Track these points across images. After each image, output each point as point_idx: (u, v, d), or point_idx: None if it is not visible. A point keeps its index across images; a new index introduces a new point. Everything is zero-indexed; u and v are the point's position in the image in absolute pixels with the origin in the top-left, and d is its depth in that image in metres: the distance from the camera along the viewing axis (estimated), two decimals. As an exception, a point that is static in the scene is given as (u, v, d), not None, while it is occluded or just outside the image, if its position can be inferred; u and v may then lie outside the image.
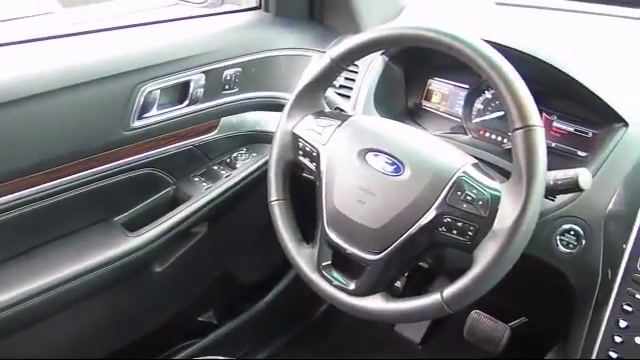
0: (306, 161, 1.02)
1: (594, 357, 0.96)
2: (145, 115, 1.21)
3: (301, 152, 1.03)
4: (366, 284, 0.93)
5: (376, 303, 0.93)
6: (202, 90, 1.27)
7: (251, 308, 1.76)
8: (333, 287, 0.96)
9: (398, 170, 0.91)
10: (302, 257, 1.01)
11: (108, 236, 1.24)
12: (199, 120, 1.31)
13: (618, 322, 0.94)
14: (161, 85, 1.20)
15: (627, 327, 0.93)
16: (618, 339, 0.94)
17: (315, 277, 0.99)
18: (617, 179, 0.98)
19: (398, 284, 1.58)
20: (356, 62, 1.15)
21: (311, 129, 1.02)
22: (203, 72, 1.26)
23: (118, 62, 1.15)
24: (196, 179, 1.39)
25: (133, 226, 1.28)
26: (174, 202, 1.35)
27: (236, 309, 1.74)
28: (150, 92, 1.19)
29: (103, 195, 1.22)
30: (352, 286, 0.95)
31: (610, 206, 0.98)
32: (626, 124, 1.01)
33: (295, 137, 1.03)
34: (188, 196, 1.35)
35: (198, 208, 1.33)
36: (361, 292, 0.94)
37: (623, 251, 0.93)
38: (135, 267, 1.27)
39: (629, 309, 0.93)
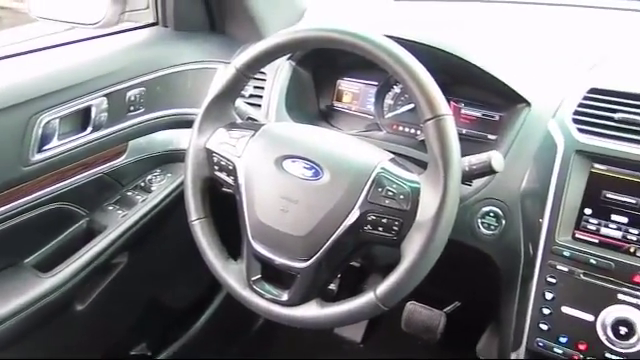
0: (223, 176, 0.99)
1: (526, 331, 0.99)
2: (45, 147, 1.13)
3: (217, 167, 1.00)
4: (299, 293, 0.91)
5: (311, 311, 0.91)
6: (105, 114, 1.21)
7: (185, 333, 1.70)
8: (266, 300, 0.94)
9: (317, 174, 0.90)
10: (231, 274, 0.98)
11: (20, 280, 1.16)
12: (106, 146, 1.25)
13: (544, 294, 0.97)
14: (60, 114, 1.13)
15: (553, 298, 0.96)
16: (546, 311, 0.97)
17: (246, 293, 0.96)
18: (527, 158, 1.02)
19: (332, 286, 1.58)
20: (263, 69, 1.13)
21: (224, 142, 0.99)
22: (104, 95, 1.20)
23: (8, 94, 1.07)
24: (110, 208, 1.32)
25: (46, 266, 1.20)
26: (89, 235, 1.28)
27: (170, 337, 1.68)
28: (48, 122, 1.12)
29: (9, 237, 1.13)
30: (285, 297, 0.93)
31: (524, 184, 1.01)
32: (529, 104, 1.05)
33: (209, 152, 1.00)
34: (103, 227, 1.28)
35: (116, 238, 1.26)
36: (295, 301, 0.92)
37: (540, 226, 0.97)
38: (54, 309, 1.19)
39: (553, 281, 0.96)
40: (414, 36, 1.09)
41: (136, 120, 1.29)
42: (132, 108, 1.27)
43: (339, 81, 1.34)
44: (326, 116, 1.34)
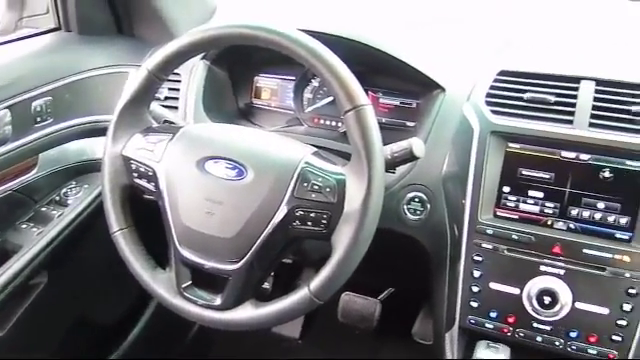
0: (143, 182, 0.96)
1: (458, 309, 1.02)
2: (-56, 167, 1.05)
3: (136, 174, 0.96)
4: (232, 295, 0.90)
5: (246, 312, 0.90)
6: (9, 127, 1.14)
7: (118, 348, 1.63)
8: (199, 307, 0.91)
9: (241, 173, 0.88)
10: (160, 283, 0.95)
11: None
12: (13, 161, 1.18)
13: (472, 273, 1.00)
14: (-43, 131, 1.06)
15: (481, 276, 1.00)
16: (475, 289, 1.00)
17: (178, 301, 0.93)
18: (446, 141, 1.05)
19: (267, 285, 1.56)
20: (177, 70, 1.10)
21: (142, 148, 0.95)
22: (7, 107, 1.13)
23: None
24: (24, 226, 1.25)
25: (-43, 294, 1.12)
26: (3, 256, 1.20)
27: (102, 354, 1.61)
28: (-55, 141, 1.04)
29: None
30: (218, 301, 0.91)
31: (445, 168, 1.04)
32: (443, 90, 1.08)
33: (126, 160, 0.96)
34: (18, 246, 1.20)
35: (32, 257, 1.19)
36: (229, 305, 0.90)
37: (464, 207, 1.00)
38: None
39: (479, 259, 0.99)
40: (328, 28, 1.09)
41: (45, 131, 1.22)
42: (39, 119, 1.20)
43: (256, 78, 1.32)
44: (246, 114, 1.33)
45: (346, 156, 0.89)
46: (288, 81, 1.29)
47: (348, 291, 1.71)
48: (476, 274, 1.00)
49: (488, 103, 1.01)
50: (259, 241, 0.86)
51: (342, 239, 0.82)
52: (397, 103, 1.19)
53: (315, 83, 1.27)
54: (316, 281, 0.84)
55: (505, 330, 0.99)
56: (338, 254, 0.83)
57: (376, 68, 1.17)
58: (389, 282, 1.69)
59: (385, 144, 0.87)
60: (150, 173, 0.94)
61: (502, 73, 1.02)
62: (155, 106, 1.04)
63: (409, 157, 0.89)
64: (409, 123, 1.18)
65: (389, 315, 1.69)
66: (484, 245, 0.99)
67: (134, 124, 0.97)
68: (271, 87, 1.31)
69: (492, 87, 1.02)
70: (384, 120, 1.19)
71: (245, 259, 0.87)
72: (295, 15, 1.35)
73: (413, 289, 1.58)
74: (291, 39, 0.83)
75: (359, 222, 0.81)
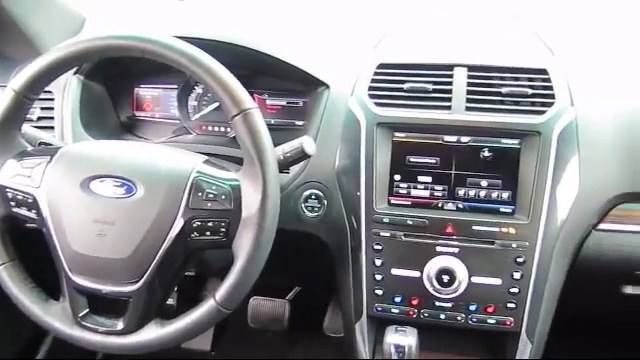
0: (23, 211, 0.89)
1: (364, 299, 1.05)
2: None
3: (13, 203, 0.89)
4: (135, 318, 0.86)
5: (152, 333, 0.86)
6: None
7: (15, 390, 1.52)
8: (100, 334, 0.87)
9: (130, 190, 0.84)
10: (54, 315, 0.89)
11: None
12: None
13: (374, 262, 1.03)
14: None
15: (382, 264, 1.02)
16: (379, 277, 1.03)
17: (76, 331, 0.88)
18: (335, 137, 1.06)
19: (171, 301, 1.51)
20: (48, 88, 1.03)
21: (17, 174, 0.89)
22: None
23: None
24: None
25: None
26: None
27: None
28: None
29: None
30: (120, 326, 0.86)
31: (337, 163, 1.06)
32: (328, 87, 1.10)
33: (1, 189, 0.89)
34: None
35: None
36: (132, 328, 0.86)
37: (359, 199, 1.02)
38: None
39: (379, 247, 1.02)
40: (205, 33, 1.08)
41: None
42: None
43: (136, 89, 1.27)
44: (129, 128, 1.27)
45: (239, 161, 0.88)
46: (170, 90, 1.25)
47: (256, 295, 1.69)
48: (378, 262, 1.03)
49: (371, 96, 1.04)
50: (157, 258, 0.83)
51: (243, 245, 0.82)
52: (284, 103, 1.20)
53: (199, 90, 1.24)
54: (221, 291, 0.83)
55: (411, 313, 1.03)
56: (241, 261, 0.82)
57: (260, 70, 1.17)
58: (296, 281, 1.70)
59: (276, 145, 0.87)
60: (30, 200, 0.87)
61: (381, 66, 1.06)
62: (28, 128, 0.97)
63: (301, 156, 0.89)
64: (298, 122, 1.19)
65: (299, 313, 1.70)
66: (382, 233, 1.02)
67: (5, 149, 0.90)
68: (153, 97, 1.27)
69: (373, 80, 1.05)
70: (273, 121, 1.19)
71: (145, 278, 0.84)
72: (170, 22, 1.31)
73: (320, 285, 1.60)
74: (167, 47, 0.81)
75: (258, 226, 0.81)
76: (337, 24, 1.29)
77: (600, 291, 1.12)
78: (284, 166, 0.89)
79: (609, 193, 1.00)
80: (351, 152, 1.04)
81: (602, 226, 1.02)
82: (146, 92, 1.27)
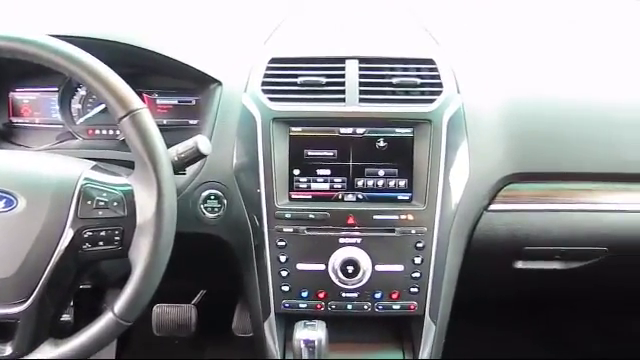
0: None
1: (271, 297, 1.04)
2: None
3: None
4: (25, 340, 0.80)
5: (46, 354, 0.81)
6: None
7: None
8: None
9: (10, 203, 0.78)
10: None
11: None
12: None
13: (279, 258, 1.02)
14: None
15: (287, 259, 1.02)
16: (284, 273, 1.03)
17: None
18: (231, 134, 1.04)
19: (68, 317, 1.42)
20: None
21: None
22: None
23: None
24: None
25: None
26: None
27: None
28: None
29: None
30: (9, 350, 0.81)
31: (235, 160, 1.04)
32: (220, 83, 1.07)
33: None
34: None
35: None
36: (23, 351, 0.81)
37: (260, 196, 1.01)
38: None
39: (283, 243, 1.01)
40: (83, 31, 1.01)
41: None
42: None
43: (12, 94, 1.18)
44: (6, 135, 1.17)
45: (131, 165, 0.84)
46: (51, 93, 1.17)
47: (159, 302, 1.64)
48: (282, 259, 1.02)
49: (265, 91, 1.02)
50: (46, 274, 0.78)
51: (140, 253, 0.78)
52: (175, 102, 1.15)
53: (82, 92, 1.17)
54: (120, 302, 0.79)
55: (319, 306, 1.03)
56: (139, 269, 0.79)
57: (147, 68, 1.12)
58: (201, 284, 1.66)
59: (170, 146, 0.84)
60: None
61: (273, 60, 1.05)
62: None
63: (197, 155, 0.87)
64: (192, 121, 1.15)
65: (207, 317, 1.66)
66: (285, 229, 1.01)
67: None
68: (31, 102, 1.18)
69: (266, 75, 1.04)
70: (165, 121, 1.15)
71: (33, 296, 0.78)
72: (45, 19, 1.22)
73: (226, 286, 1.57)
74: (40, 46, 0.75)
75: (155, 232, 0.78)
76: (226, 19, 1.26)
77: (495, 268, 1.18)
78: (179, 167, 0.86)
79: (497, 175, 1.06)
80: (248, 149, 1.02)
81: (492, 207, 1.07)
82: (23, 96, 1.18)
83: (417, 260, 1.01)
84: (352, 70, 1.03)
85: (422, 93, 1.03)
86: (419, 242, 1.01)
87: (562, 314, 1.77)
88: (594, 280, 1.27)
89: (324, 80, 1.03)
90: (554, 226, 1.09)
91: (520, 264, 1.16)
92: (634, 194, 1.10)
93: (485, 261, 1.12)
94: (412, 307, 1.03)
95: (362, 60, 1.04)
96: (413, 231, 1.01)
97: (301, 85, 1.02)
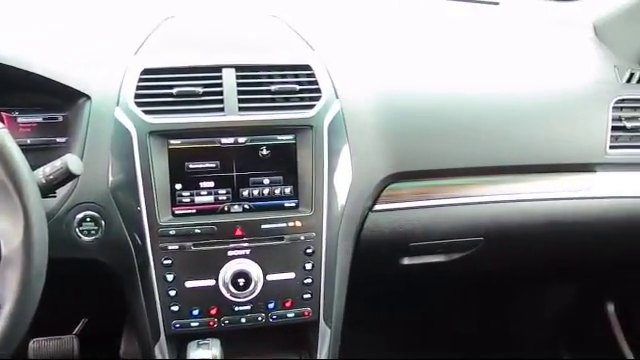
0: None
1: (160, 319, 0.99)
2: None
3: None
4: None
5: None
6: None
7: None
8: None
9: None
10: None
11: None
12: None
13: (165, 277, 0.98)
14: None
15: (175, 278, 0.98)
16: (172, 292, 0.98)
17: None
18: (105, 151, 0.98)
19: None
20: None
21: None
22: None
23: None
24: None
25: None
26: None
27: None
28: None
29: None
30: None
31: (111, 178, 0.98)
32: (89, 97, 1.00)
33: None
34: None
35: None
36: None
37: (140, 214, 0.96)
38: None
39: (169, 262, 0.97)
40: None
41: None
42: None
43: None
44: None
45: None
46: None
47: (36, 337, 1.51)
48: (169, 278, 0.98)
49: (138, 104, 0.97)
50: None
51: (8, 287, 0.72)
52: (40, 120, 1.06)
53: None
54: None
55: (211, 323, 1.00)
56: (8, 305, 0.72)
57: (5, 84, 1.02)
58: (81, 312, 1.55)
59: (36, 167, 0.78)
60: None
61: (146, 71, 1.00)
62: None
63: (67, 176, 0.81)
64: (59, 139, 1.06)
65: (91, 346, 1.56)
66: (170, 247, 0.97)
67: None
68: None
69: (139, 87, 0.99)
70: (29, 141, 1.05)
71: None
72: None
73: (111, 311, 1.48)
74: None
75: (24, 262, 0.71)
76: (93, 28, 1.18)
77: (384, 267, 1.21)
78: (48, 190, 0.80)
79: (378, 176, 1.09)
80: (125, 166, 0.96)
81: (377, 207, 1.10)
82: None
83: (308, 266, 1.01)
84: (229, 79, 1.01)
85: (301, 99, 1.03)
86: (309, 248, 1.01)
87: (447, 303, 1.87)
88: (473, 268, 1.35)
89: (201, 90, 1.00)
90: (435, 221, 1.15)
91: (407, 260, 1.20)
92: (506, 185, 1.18)
93: (373, 260, 1.15)
94: (306, 313, 1.03)
95: (239, 68, 1.03)
96: (302, 237, 1.01)
97: (177, 96, 0.99)
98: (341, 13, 1.36)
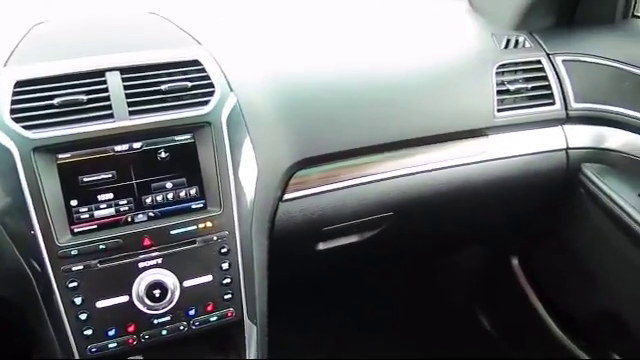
0: None
1: (73, 346, 0.93)
2: None
3: None
4: None
5: None
6: None
7: None
8: None
9: None
10: None
11: None
12: None
13: (73, 301, 0.91)
14: None
15: (83, 300, 0.91)
16: (83, 315, 0.92)
17: None
18: None
19: None
20: None
21: None
22: None
23: None
24: None
25: None
26: None
27: None
28: None
29: None
30: None
31: None
32: None
33: None
34: None
35: None
36: None
37: (35, 238, 0.89)
38: None
39: (75, 284, 0.91)
40: None
41: None
42: None
43: None
44: None
45: None
46: None
47: None
48: (78, 301, 0.91)
49: (16, 120, 0.89)
50: None
51: None
52: None
53: None
54: None
55: (130, 341, 0.95)
56: None
57: None
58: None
59: None
60: None
61: (19, 84, 0.92)
62: None
63: None
64: None
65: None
66: (74, 268, 0.90)
67: None
68: None
69: (14, 102, 0.90)
70: None
71: None
72: None
73: (15, 347, 1.38)
74: None
75: None
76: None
77: (300, 255, 1.21)
78: None
79: (284, 165, 1.08)
80: (10, 187, 0.88)
81: (286, 196, 1.09)
82: None
83: (225, 266, 0.98)
84: (115, 82, 0.95)
85: (195, 96, 0.99)
86: (223, 247, 0.98)
87: (369, 283, 1.90)
88: (388, 244, 1.37)
89: (85, 97, 0.93)
90: (345, 202, 1.15)
91: (322, 245, 1.20)
92: (408, 159, 1.21)
93: (290, 250, 1.14)
94: (230, 314, 1.00)
95: (124, 70, 0.97)
96: (215, 237, 0.97)
97: (59, 107, 0.91)
98: (220, 2, 1.33)
